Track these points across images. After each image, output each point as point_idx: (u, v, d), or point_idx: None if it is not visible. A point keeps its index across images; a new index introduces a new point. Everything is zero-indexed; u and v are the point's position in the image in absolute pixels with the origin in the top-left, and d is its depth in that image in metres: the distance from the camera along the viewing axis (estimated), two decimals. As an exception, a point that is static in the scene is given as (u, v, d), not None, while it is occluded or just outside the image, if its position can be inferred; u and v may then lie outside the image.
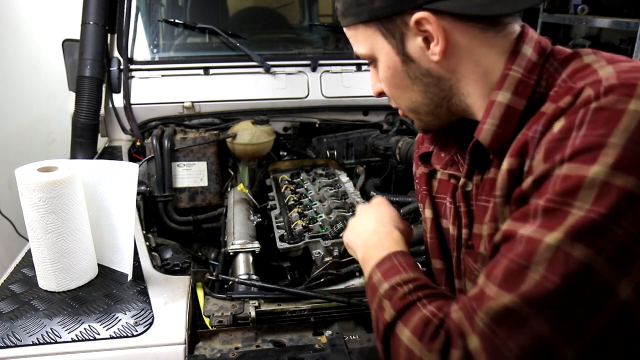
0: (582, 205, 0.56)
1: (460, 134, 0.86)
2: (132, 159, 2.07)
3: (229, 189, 2.12)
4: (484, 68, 0.73)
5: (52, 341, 1.07)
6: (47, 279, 1.23)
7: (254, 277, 1.46)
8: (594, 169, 0.56)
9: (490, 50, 0.73)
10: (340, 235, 1.52)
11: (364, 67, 2.31)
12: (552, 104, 0.66)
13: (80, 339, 1.08)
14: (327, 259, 1.47)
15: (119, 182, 1.27)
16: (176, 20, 2.38)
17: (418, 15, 0.70)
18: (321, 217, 1.63)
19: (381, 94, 0.86)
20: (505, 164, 0.69)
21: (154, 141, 1.98)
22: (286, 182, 2.00)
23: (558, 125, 0.61)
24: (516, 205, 0.65)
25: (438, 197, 0.90)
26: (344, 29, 0.81)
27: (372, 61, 0.82)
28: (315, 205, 1.73)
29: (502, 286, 0.57)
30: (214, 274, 1.34)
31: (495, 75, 0.73)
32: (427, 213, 0.91)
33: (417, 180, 0.98)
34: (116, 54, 2.16)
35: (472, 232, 0.80)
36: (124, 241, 1.29)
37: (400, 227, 0.90)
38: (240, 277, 1.45)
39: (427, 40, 0.72)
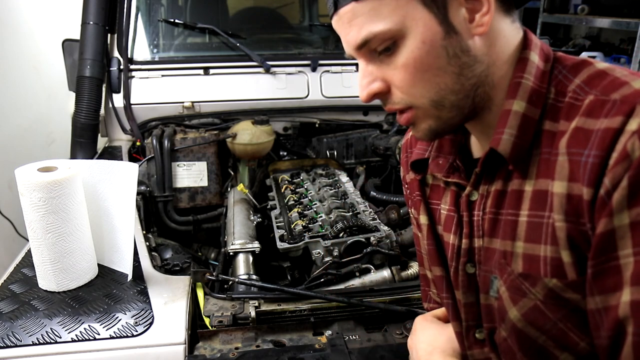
0: None
1: (455, 138, 0.83)
2: (132, 159, 2.07)
3: (229, 189, 2.12)
4: (507, 54, 0.72)
5: (52, 341, 1.08)
6: (47, 279, 1.23)
7: (254, 277, 1.46)
8: None
9: (508, 39, 0.72)
10: (340, 235, 1.52)
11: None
12: (589, 119, 0.61)
13: (80, 339, 1.08)
14: (327, 259, 1.47)
15: (119, 182, 1.27)
16: (176, 20, 2.38)
17: None
18: (321, 217, 1.63)
19: (376, 96, 0.73)
20: (562, 187, 0.63)
21: (154, 141, 1.98)
22: (286, 182, 2.00)
23: (630, 152, 0.56)
24: (600, 251, 0.60)
25: (432, 203, 0.88)
26: (358, 3, 0.67)
27: (390, 42, 0.68)
28: (315, 205, 1.73)
29: None
30: (214, 274, 1.34)
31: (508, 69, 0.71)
32: (423, 220, 0.89)
33: (406, 186, 0.96)
34: (116, 54, 2.17)
35: (471, 245, 0.78)
36: (124, 241, 1.29)
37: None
38: (240, 277, 1.45)
39: (471, 12, 0.68)
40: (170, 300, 1.21)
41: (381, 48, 0.69)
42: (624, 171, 0.56)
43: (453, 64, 0.68)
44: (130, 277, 1.28)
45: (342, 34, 0.72)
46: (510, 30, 0.72)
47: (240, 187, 1.94)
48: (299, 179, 2.01)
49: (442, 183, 0.85)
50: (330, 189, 1.84)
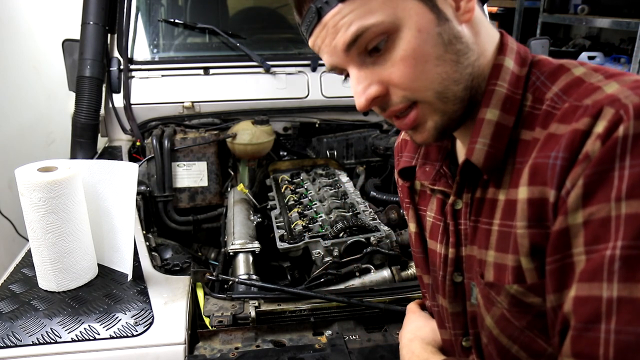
0: None
1: (441, 145, 0.82)
2: (132, 159, 2.07)
3: (229, 189, 2.12)
4: (491, 45, 0.72)
5: (52, 341, 1.08)
6: (47, 279, 1.23)
7: (254, 277, 1.46)
8: None
9: (488, 30, 0.71)
10: (340, 235, 1.52)
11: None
12: (562, 125, 0.61)
13: (80, 339, 1.08)
14: (327, 259, 1.47)
15: (119, 182, 1.27)
16: (176, 20, 2.38)
17: None
18: (321, 217, 1.63)
19: (374, 101, 0.69)
20: (524, 193, 0.63)
21: (154, 141, 1.99)
22: (286, 182, 2.00)
23: (591, 153, 0.55)
24: (555, 250, 0.59)
25: (420, 209, 0.88)
26: (345, 3, 0.64)
27: (383, 37, 0.65)
28: (315, 205, 1.73)
29: None
30: (214, 274, 1.34)
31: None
32: (412, 227, 0.89)
33: (400, 189, 0.96)
34: (116, 54, 2.17)
35: (458, 254, 0.78)
36: (124, 241, 1.29)
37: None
38: (240, 277, 1.45)
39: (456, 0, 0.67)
40: (170, 300, 1.21)
41: (373, 44, 0.65)
42: (582, 171, 0.56)
43: (450, 51, 0.66)
44: (130, 277, 1.28)
45: (326, 43, 0.68)
46: (489, 26, 0.72)
47: (240, 187, 1.94)
48: (299, 179, 2.01)
49: (428, 190, 0.85)
50: (330, 189, 1.84)
